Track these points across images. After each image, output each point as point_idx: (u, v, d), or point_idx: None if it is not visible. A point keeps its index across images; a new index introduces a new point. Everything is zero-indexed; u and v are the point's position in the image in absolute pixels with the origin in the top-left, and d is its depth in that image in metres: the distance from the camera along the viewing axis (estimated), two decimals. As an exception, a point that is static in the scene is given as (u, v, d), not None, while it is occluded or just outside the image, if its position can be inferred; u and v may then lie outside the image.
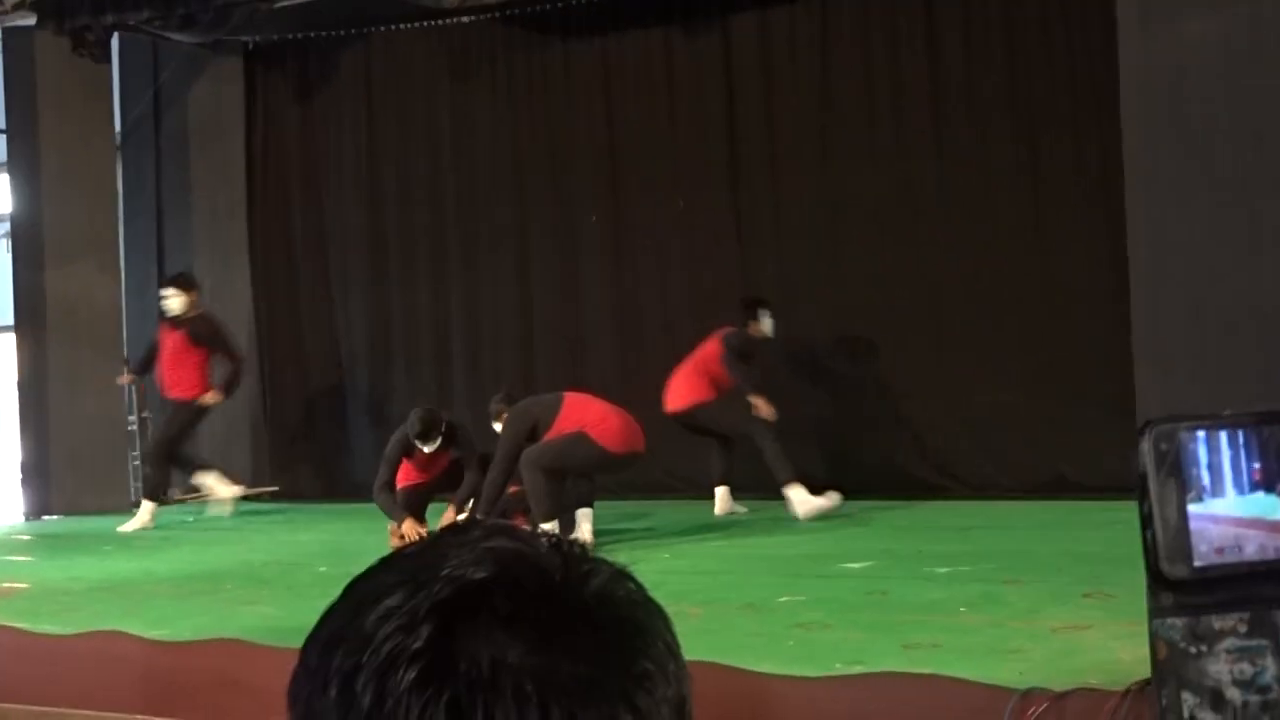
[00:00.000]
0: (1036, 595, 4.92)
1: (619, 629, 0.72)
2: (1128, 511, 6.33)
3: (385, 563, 0.72)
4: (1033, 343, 8.49)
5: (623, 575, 0.74)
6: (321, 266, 11.04)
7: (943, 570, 5.58)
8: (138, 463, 10.61)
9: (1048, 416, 8.32)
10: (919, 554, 6.08)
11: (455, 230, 10.53)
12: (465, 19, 10.06)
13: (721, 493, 8.15)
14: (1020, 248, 8.58)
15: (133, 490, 10.44)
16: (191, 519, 8.34)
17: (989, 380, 8.57)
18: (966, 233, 8.73)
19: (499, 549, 0.70)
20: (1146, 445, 0.70)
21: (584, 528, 6.98)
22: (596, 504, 7.28)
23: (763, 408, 7.81)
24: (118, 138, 11.15)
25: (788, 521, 7.48)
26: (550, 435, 6.80)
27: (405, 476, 7.66)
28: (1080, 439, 8.16)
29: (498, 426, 7.14)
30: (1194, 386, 7.04)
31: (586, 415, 6.84)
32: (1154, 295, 7.42)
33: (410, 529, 7.08)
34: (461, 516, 7.19)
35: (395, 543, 7.34)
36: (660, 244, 9.75)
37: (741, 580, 5.67)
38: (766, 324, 8.25)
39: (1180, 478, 0.69)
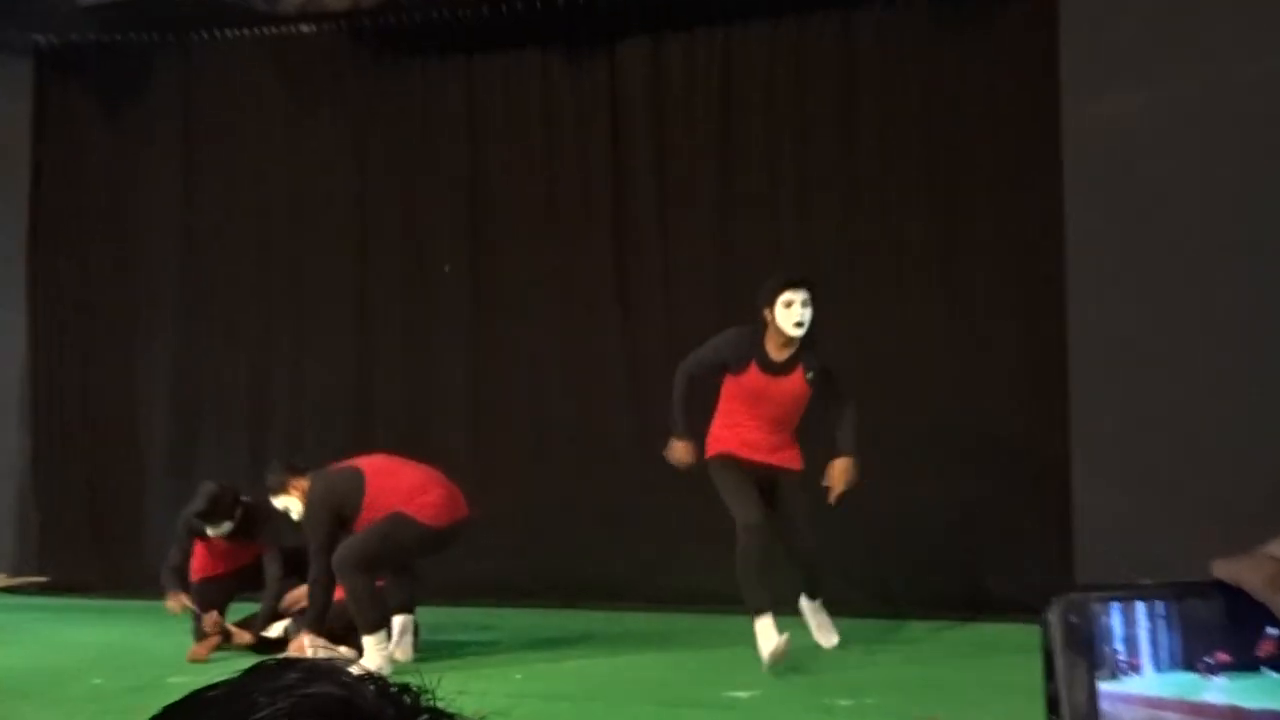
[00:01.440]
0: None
1: None
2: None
3: (182, 709, 0.69)
4: (953, 441, 8.49)
5: None
6: (120, 314, 10.74)
7: (845, 702, 5.52)
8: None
9: (971, 525, 8.34)
10: (817, 681, 6.02)
11: (284, 275, 10.34)
12: (305, 28, 9.93)
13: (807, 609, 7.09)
14: (941, 319, 8.64)
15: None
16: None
17: (900, 480, 8.56)
18: (877, 300, 8.76)
19: (319, 697, 0.67)
20: (1054, 618, 0.68)
21: (405, 642, 6.82)
22: (430, 608, 7.13)
23: (677, 451, 6.66)
24: None
25: (662, 635, 7.40)
26: (361, 521, 6.61)
27: (202, 567, 7.47)
28: (1009, 552, 8.18)
29: (279, 502, 6.86)
30: (1133, 497, 7.18)
31: (398, 489, 6.67)
32: (1095, 398, 7.57)
33: (176, 603, 7.19)
34: (279, 628, 7.01)
35: (172, 606, 7.13)
36: (529, 301, 9.64)
37: (607, 711, 5.54)
38: (785, 315, 6.58)
39: (1090, 655, 0.67)
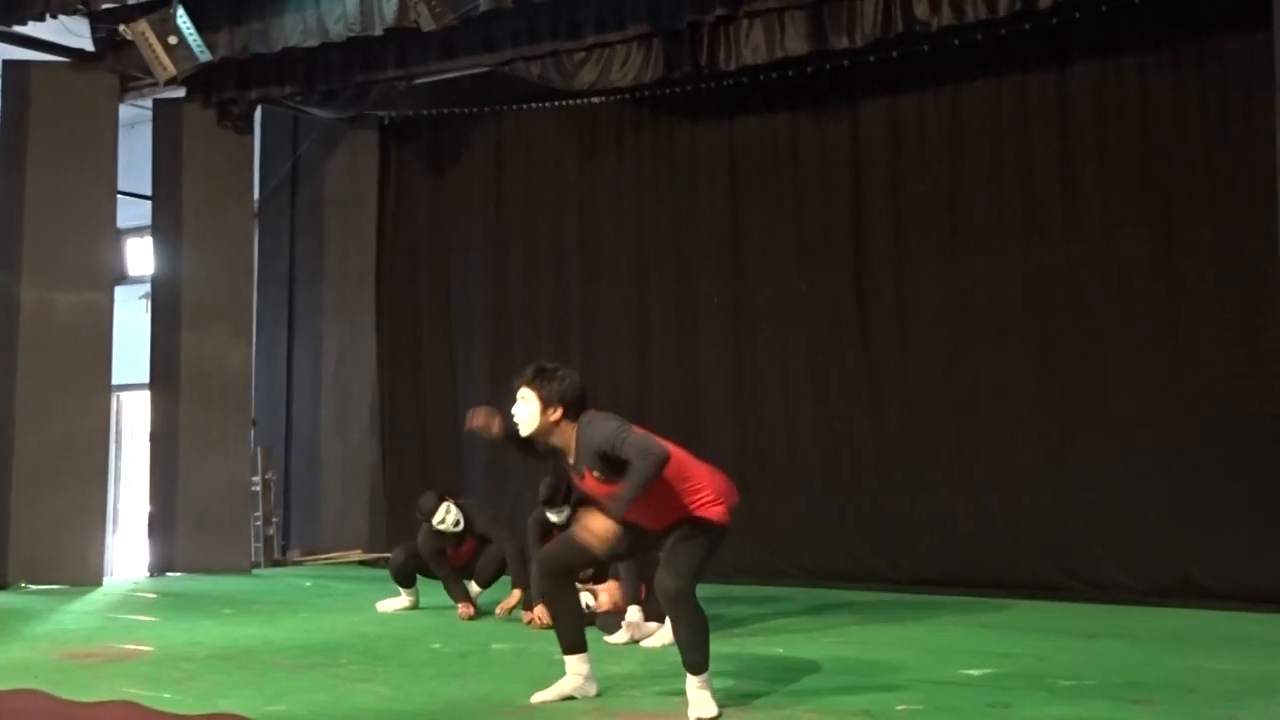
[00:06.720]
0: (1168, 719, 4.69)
1: None
2: (1259, 625, 5.96)
3: None
4: (1161, 438, 8.14)
5: None
6: (445, 335, 11.16)
7: (1067, 683, 5.35)
8: (259, 524, 10.74)
9: (1175, 516, 8.01)
10: (1042, 662, 5.85)
11: (576, 305, 10.57)
12: (595, 99, 10.15)
13: None
14: (1151, 340, 8.28)
15: (253, 551, 10.55)
16: (308, 583, 8.35)
17: (1114, 476, 8.27)
18: (1095, 327, 8.48)
19: None
20: None
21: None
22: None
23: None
24: (256, 205, 11.43)
25: (900, 616, 7.32)
26: None
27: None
28: (1209, 541, 7.84)
29: None
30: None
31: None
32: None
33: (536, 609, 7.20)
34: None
35: (537, 620, 7.15)
36: (782, 326, 9.65)
37: (857, 681, 5.48)
38: None
39: None
